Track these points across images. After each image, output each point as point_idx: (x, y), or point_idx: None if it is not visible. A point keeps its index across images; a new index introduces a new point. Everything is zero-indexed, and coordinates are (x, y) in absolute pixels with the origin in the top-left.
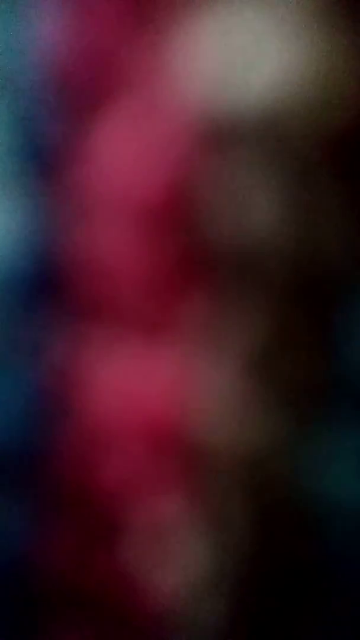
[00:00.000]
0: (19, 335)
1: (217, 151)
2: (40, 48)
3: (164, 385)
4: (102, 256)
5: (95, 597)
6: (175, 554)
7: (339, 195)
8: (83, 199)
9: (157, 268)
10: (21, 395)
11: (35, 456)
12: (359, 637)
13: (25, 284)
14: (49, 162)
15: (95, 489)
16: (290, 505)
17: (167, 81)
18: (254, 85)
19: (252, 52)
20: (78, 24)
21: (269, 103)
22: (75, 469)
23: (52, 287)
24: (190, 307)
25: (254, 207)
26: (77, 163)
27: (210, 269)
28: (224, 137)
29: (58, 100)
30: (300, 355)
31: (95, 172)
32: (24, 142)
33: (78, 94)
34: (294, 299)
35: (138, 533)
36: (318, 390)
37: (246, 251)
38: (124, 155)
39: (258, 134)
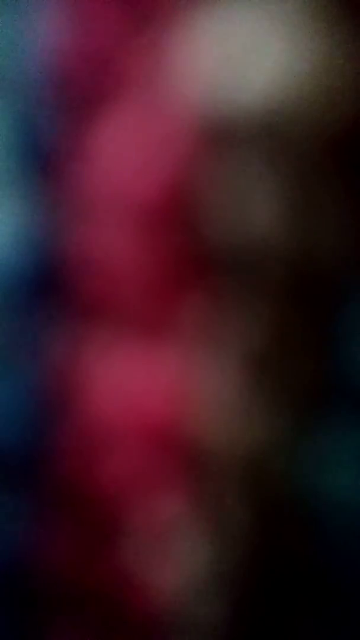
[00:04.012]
0: (19, 335)
1: (217, 151)
2: (40, 48)
3: (164, 385)
4: (102, 256)
5: (95, 597)
6: (175, 554)
7: (339, 195)
8: (83, 198)
9: (157, 268)
10: (21, 395)
11: (35, 456)
12: (359, 637)
13: (25, 283)
14: (49, 162)
15: (95, 488)
16: (289, 505)
17: (167, 81)
18: (254, 85)
19: (252, 52)
20: (78, 24)
21: (269, 103)
22: (75, 468)
23: (52, 287)
24: (190, 307)
25: (254, 207)
26: (77, 163)
27: (210, 269)
28: (223, 137)
29: (58, 100)
30: (300, 355)
31: (96, 172)
32: (24, 142)
33: (78, 94)
34: (294, 299)
35: (138, 533)
36: (318, 390)
37: (246, 251)
38: (124, 155)
39: (258, 134)
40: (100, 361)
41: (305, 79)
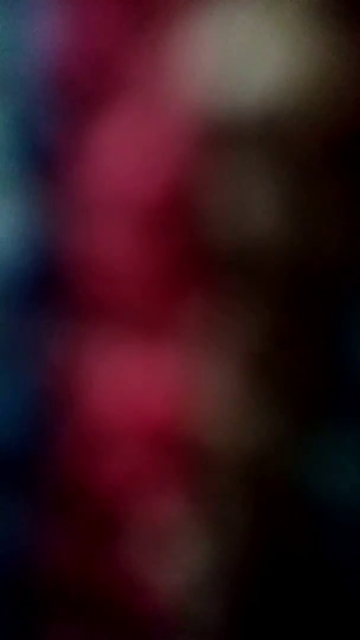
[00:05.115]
0: (19, 335)
1: (217, 151)
2: (40, 48)
3: (164, 385)
4: (102, 256)
5: (95, 597)
6: (175, 554)
7: (339, 195)
8: (83, 199)
9: (157, 268)
10: (21, 395)
11: (35, 456)
12: (359, 636)
13: (25, 283)
14: (49, 162)
15: (95, 488)
16: (290, 505)
17: (167, 81)
18: (254, 86)
19: (252, 52)
20: (78, 24)
21: (269, 103)
22: (76, 468)
23: (52, 287)
24: (190, 307)
25: (254, 207)
26: (77, 163)
27: (210, 269)
28: (224, 137)
29: (58, 100)
30: (300, 355)
31: (96, 172)
32: (24, 142)
33: (78, 94)
34: (294, 299)
35: (138, 533)
36: (318, 389)
37: (246, 251)
38: (124, 155)
39: (258, 134)
40: (101, 361)
41: (305, 80)
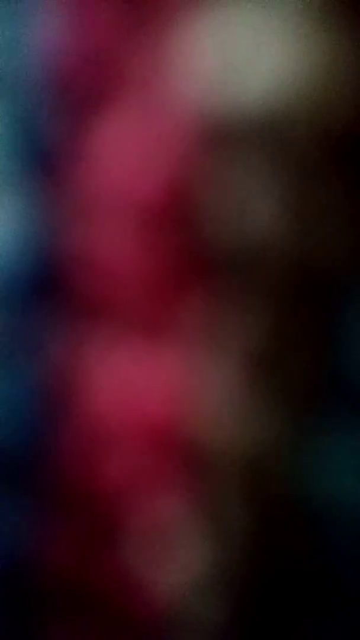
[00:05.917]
0: (19, 335)
1: (217, 151)
2: (40, 48)
3: (164, 384)
4: (102, 256)
5: (95, 596)
6: (175, 554)
7: (339, 195)
8: (83, 198)
9: (157, 268)
10: (21, 395)
11: (36, 456)
12: (359, 637)
13: (25, 283)
14: (49, 162)
15: (95, 488)
16: (290, 505)
17: (167, 81)
18: (254, 85)
19: (252, 52)
20: (78, 24)
21: (269, 103)
22: (76, 468)
23: (52, 286)
24: (190, 307)
25: (254, 207)
26: (77, 163)
27: (210, 269)
28: (224, 137)
29: (58, 100)
30: (300, 355)
31: (96, 172)
32: (24, 142)
33: (78, 94)
34: (295, 299)
35: (138, 533)
36: (318, 390)
37: (246, 251)
38: (124, 155)
39: (258, 134)
40: (101, 361)
41: (305, 80)
